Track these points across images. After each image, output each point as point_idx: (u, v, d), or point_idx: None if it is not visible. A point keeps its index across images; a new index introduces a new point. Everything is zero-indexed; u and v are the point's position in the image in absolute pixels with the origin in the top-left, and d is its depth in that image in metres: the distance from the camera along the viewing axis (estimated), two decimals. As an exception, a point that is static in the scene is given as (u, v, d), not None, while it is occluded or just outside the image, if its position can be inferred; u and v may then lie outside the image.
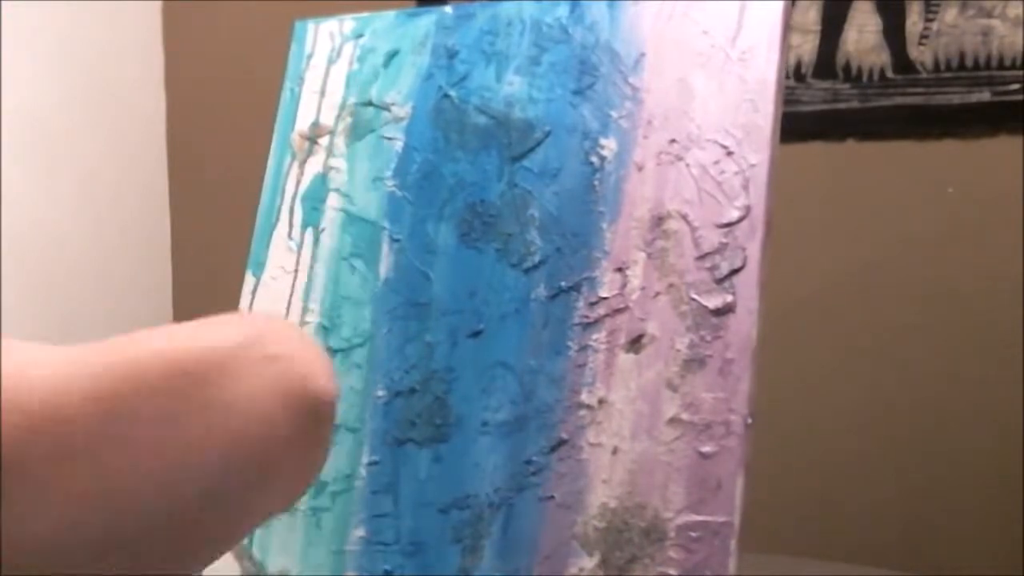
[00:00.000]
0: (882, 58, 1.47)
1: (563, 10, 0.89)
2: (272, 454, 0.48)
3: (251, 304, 0.96)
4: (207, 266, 2.00)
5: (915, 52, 1.45)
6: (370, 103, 0.96)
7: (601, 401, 0.80)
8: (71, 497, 0.43)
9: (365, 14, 0.98)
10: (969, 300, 1.45)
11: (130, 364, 0.44)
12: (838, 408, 1.52)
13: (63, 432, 0.42)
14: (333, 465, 0.89)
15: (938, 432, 1.47)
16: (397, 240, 0.91)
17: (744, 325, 0.77)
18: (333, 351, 0.91)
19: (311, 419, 0.48)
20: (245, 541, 0.90)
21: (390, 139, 0.94)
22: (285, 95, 1.00)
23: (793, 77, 1.50)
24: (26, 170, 1.77)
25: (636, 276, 0.81)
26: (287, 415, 0.47)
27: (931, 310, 1.47)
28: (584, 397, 0.81)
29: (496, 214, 0.88)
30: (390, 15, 0.97)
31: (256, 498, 0.49)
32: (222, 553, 0.51)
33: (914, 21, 1.45)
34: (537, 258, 0.85)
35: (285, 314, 0.94)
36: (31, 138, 1.78)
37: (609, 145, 0.84)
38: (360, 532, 0.87)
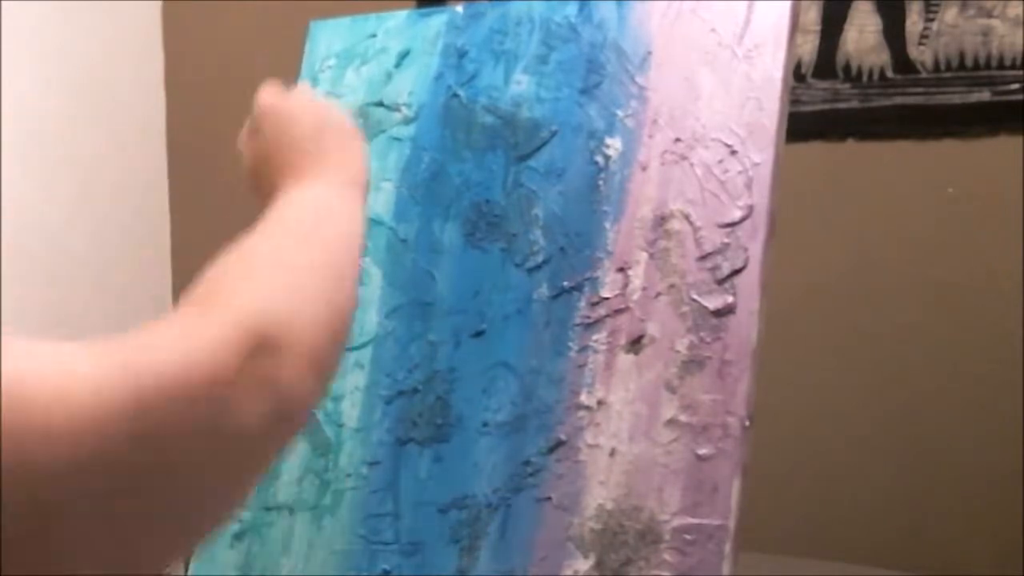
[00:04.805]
0: (882, 58, 1.47)
1: (572, 8, 0.89)
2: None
3: None
4: (207, 266, 1.99)
5: (915, 52, 1.45)
6: (381, 103, 0.96)
7: (600, 402, 0.80)
8: (121, 537, 0.43)
9: (373, 15, 0.98)
10: (969, 300, 1.45)
11: (161, 396, 0.44)
12: (838, 408, 1.52)
13: (110, 473, 0.42)
14: (336, 464, 0.89)
15: (938, 432, 1.47)
16: (404, 240, 0.91)
17: (744, 327, 0.77)
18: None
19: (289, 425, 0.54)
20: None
21: (399, 139, 0.94)
22: None
23: (793, 77, 1.50)
24: (26, 170, 1.77)
25: (638, 276, 0.81)
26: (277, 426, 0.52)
27: (931, 310, 1.47)
28: (583, 398, 0.81)
29: (501, 214, 0.87)
30: (402, 15, 0.97)
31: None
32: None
33: (914, 21, 1.45)
34: (540, 258, 0.85)
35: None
36: (31, 138, 1.78)
37: (614, 144, 0.84)
38: (360, 531, 0.87)
